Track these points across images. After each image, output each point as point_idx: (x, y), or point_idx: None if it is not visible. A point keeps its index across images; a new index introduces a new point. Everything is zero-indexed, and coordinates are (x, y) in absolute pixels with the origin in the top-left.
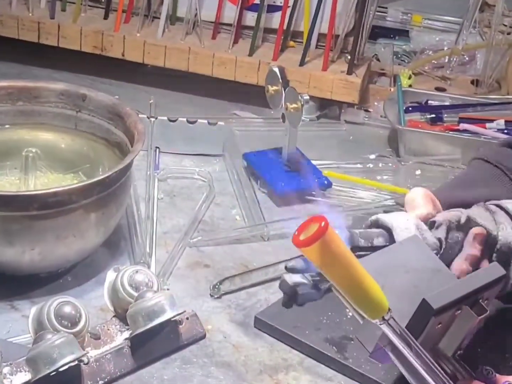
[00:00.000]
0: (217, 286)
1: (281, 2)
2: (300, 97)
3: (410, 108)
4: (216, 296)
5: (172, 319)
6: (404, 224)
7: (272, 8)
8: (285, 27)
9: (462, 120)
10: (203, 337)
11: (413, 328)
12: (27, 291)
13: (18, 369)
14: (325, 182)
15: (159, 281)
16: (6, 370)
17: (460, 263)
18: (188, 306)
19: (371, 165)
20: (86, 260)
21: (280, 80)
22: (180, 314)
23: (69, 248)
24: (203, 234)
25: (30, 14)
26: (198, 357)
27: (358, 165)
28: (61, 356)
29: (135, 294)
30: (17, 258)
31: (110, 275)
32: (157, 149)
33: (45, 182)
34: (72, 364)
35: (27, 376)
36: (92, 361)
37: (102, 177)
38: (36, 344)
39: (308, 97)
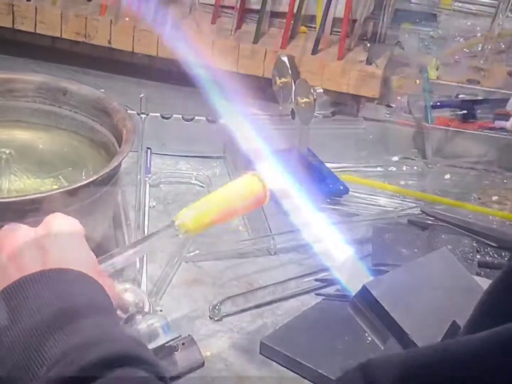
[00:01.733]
0: (217, 307)
1: None
2: (312, 91)
3: (439, 104)
4: (216, 318)
5: (166, 344)
6: None
7: None
8: (295, 10)
9: (498, 116)
10: (202, 365)
11: None
12: None
13: None
14: (341, 187)
15: (150, 302)
16: None
17: None
18: (184, 329)
19: (393, 168)
20: None
21: (290, 71)
22: (175, 339)
23: None
24: (201, 247)
25: None
26: None
27: (379, 168)
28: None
29: (124, 316)
30: None
31: None
32: (149, 150)
33: (20, 187)
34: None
35: None
36: None
37: (85, 182)
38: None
39: (321, 91)
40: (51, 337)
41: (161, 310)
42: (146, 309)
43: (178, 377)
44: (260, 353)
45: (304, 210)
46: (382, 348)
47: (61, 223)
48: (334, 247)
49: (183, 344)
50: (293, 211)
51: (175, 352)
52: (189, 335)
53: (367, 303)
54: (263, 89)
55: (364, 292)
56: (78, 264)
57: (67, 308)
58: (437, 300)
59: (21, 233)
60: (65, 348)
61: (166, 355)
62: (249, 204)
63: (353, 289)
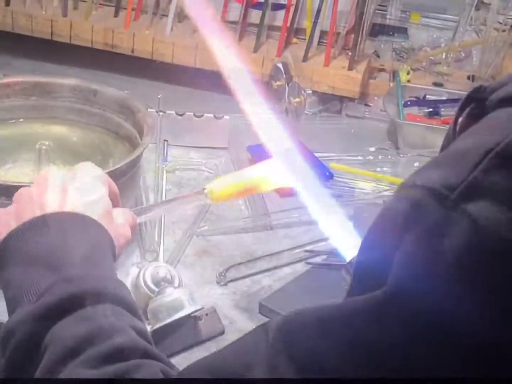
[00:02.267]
0: (223, 274)
1: (285, 1)
2: (303, 92)
3: (409, 103)
4: (222, 284)
5: (192, 315)
6: None
7: (276, 6)
8: (288, 24)
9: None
10: (222, 333)
11: None
12: None
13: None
14: (327, 173)
15: (180, 278)
16: None
17: None
18: (195, 293)
19: (371, 157)
20: None
21: (284, 76)
22: (199, 310)
23: None
24: (209, 223)
25: (44, 12)
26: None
27: (359, 157)
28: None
29: (156, 289)
30: None
31: (133, 271)
32: (166, 142)
33: None
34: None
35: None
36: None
37: (112, 168)
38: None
39: (310, 92)
40: (42, 272)
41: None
42: (176, 284)
43: (201, 343)
44: (259, 312)
45: (310, 190)
46: None
47: (87, 171)
48: (337, 222)
49: (206, 314)
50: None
51: (199, 322)
52: (212, 307)
53: None
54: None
55: None
56: (91, 210)
57: (61, 248)
58: None
59: (55, 175)
60: (52, 281)
61: (191, 324)
62: (269, 185)
63: (346, 255)
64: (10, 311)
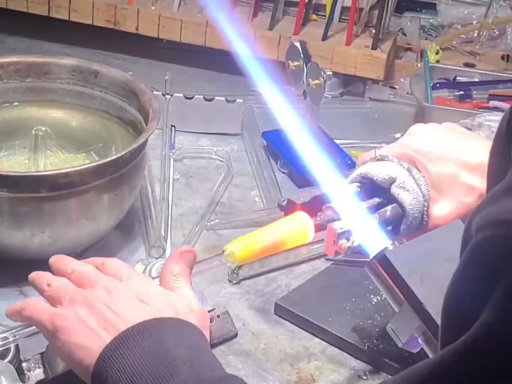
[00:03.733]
0: (235, 271)
1: None
2: (322, 73)
3: (438, 85)
4: (234, 282)
5: None
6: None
7: None
8: None
9: (492, 97)
10: (235, 336)
11: None
12: None
13: (37, 365)
14: (349, 162)
15: (191, 278)
16: (24, 365)
17: None
18: (205, 291)
19: None
20: (98, 244)
21: (302, 55)
22: (210, 311)
23: (81, 231)
24: (220, 216)
25: None
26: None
27: (383, 144)
28: None
29: None
30: (26, 242)
31: (138, 268)
32: (173, 128)
33: (55, 162)
34: None
35: (46, 372)
36: None
37: (115, 157)
38: None
39: (331, 73)
40: (154, 381)
41: None
42: None
43: (212, 346)
44: (275, 313)
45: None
46: (397, 311)
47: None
48: (359, 214)
49: (217, 316)
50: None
51: (210, 324)
52: (223, 307)
53: (385, 269)
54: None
55: (384, 259)
56: (174, 310)
57: (163, 356)
58: (449, 271)
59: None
60: None
61: None
62: (294, 241)
63: (371, 250)
64: None
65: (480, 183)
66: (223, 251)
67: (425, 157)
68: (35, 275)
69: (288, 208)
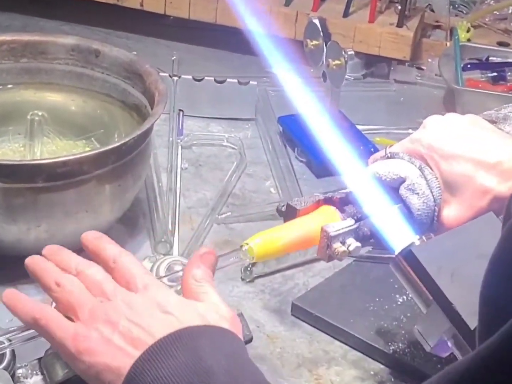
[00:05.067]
0: (249, 269)
1: None
2: (343, 53)
3: (469, 66)
4: (248, 280)
5: None
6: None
7: None
8: None
9: None
10: (250, 341)
11: None
12: None
13: (34, 372)
14: (372, 149)
15: None
16: (20, 372)
17: None
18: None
19: None
20: None
21: (321, 34)
22: None
23: (80, 225)
24: (232, 209)
25: None
26: None
27: (410, 131)
28: None
29: (173, 289)
30: (21, 236)
31: (145, 265)
32: (181, 112)
33: (53, 149)
34: None
35: (44, 380)
36: None
37: (118, 144)
38: None
39: (352, 53)
40: None
41: None
42: None
43: None
44: (292, 314)
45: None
46: (425, 312)
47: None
48: (383, 207)
49: None
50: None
51: None
52: (237, 309)
53: (411, 266)
54: (295, 51)
55: (410, 255)
56: (202, 318)
57: (199, 367)
58: (483, 268)
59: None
60: None
61: None
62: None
63: (396, 246)
64: None
65: (497, 184)
66: (241, 246)
67: (438, 153)
68: (37, 267)
69: (287, 213)
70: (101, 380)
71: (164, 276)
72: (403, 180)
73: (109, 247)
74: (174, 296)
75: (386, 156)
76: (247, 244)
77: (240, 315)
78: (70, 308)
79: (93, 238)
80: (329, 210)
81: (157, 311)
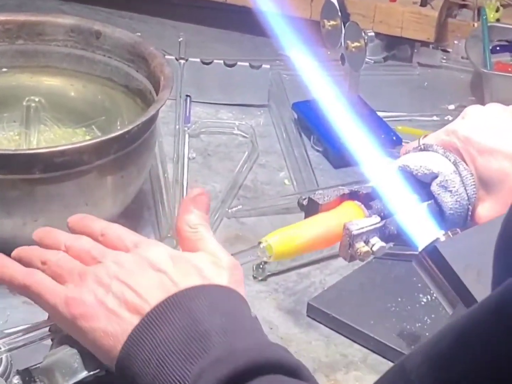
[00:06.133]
0: (261, 266)
1: None
2: (363, 34)
3: (498, 48)
4: (260, 278)
5: None
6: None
7: None
8: None
9: None
10: None
11: None
12: None
13: (31, 379)
14: (394, 138)
15: None
16: (15, 380)
17: None
18: None
19: (450, 118)
20: None
21: (339, 13)
22: None
23: None
24: (244, 202)
25: None
26: None
27: (434, 118)
28: (84, 366)
29: None
30: (16, 231)
31: None
32: (188, 98)
33: (50, 138)
34: (100, 374)
35: None
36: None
37: (120, 132)
38: (53, 349)
39: (373, 34)
40: (182, 363)
41: None
42: None
43: None
44: (307, 315)
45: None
46: (451, 313)
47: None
48: (406, 200)
49: None
50: (365, 162)
51: None
52: (251, 312)
53: (436, 263)
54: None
55: (434, 252)
56: (199, 276)
57: (195, 329)
58: None
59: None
60: (198, 370)
61: None
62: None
63: (419, 242)
64: None
65: None
66: (259, 243)
67: (474, 148)
68: (21, 252)
69: (309, 208)
70: (99, 346)
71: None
72: (435, 176)
73: (96, 222)
74: (166, 251)
75: (419, 147)
76: (266, 241)
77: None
78: (59, 277)
79: (79, 218)
80: (354, 206)
81: (150, 269)
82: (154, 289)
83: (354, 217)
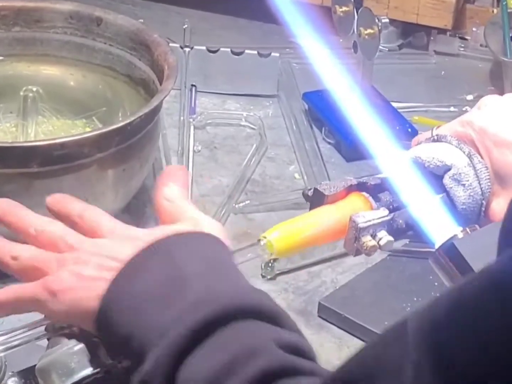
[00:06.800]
0: (270, 264)
1: None
2: (377, 21)
3: None
4: (269, 277)
5: None
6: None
7: None
8: None
9: None
10: None
11: None
12: None
13: (27, 381)
14: (409, 129)
15: None
16: (11, 382)
17: None
18: None
19: (468, 108)
20: None
21: None
22: None
23: None
24: (252, 197)
25: None
26: None
27: (452, 109)
28: (81, 367)
29: None
30: None
31: None
32: (193, 88)
33: (49, 130)
34: (98, 375)
35: None
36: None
37: (122, 124)
38: (49, 349)
39: (387, 21)
40: (165, 303)
41: None
42: None
43: None
44: (318, 316)
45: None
46: None
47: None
48: (422, 195)
49: None
50: (378, 154)
51: None
52: None
53: (453, 261)
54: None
55: (452, 249)
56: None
57: (174, 275)
58: None
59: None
60: (174, 315)
61: None
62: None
63: (436, 239)
64: (133, 366)
65: None
66: (259, 240)
67: (490, 140)
68: None
69: (314, 199)
70: (80, 311)
71: None
72: (448, 168)
73: (75, 203)
74: (144, 230)
75: (432, 138)
76: (265, 237)
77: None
78: (36, 272)
79: (58, 199)
80: (361, 198)
81: (126, 240)
82: (131, 249)
83: (361, 209)
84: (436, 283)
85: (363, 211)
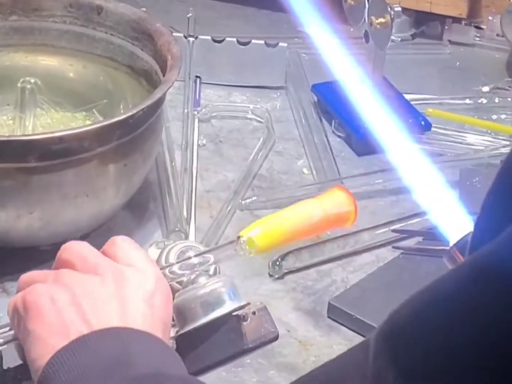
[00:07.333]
0: (278, 263)
1: None
2: (389, 9)
3: None
4: (277, 276)
5: (233, 313)
6: None
7: None
8: None
9: None
10: (275, 339)
11: None
12: (23, 269)
13: (24, 376)
14: (422, 123)
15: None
16: (7, 377)
17: None
18: (240, 288)
19: (484, 100)
20: (103, 228)
21: None
22: (244, 306)
23: (80, 211)
24: (258, 193)
25: None
26: (252, 357)
27: (467, 101)
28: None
29: (185, 278)
30: (10, 224)
31: (152, 253)
32: (198, 79)
33: (47, 123)
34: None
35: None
36: None
37: (124, 116)
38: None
39: (399, 9)
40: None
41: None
42: (211, 272)
43: (245, 352)
44: (328, 317)
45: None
46: None
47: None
48: (436, 190)
49: (253, 313)
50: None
51: (244, 323)
52: (260, 302)
53: None
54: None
55: (466, 247)
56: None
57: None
58: None
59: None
60: None
61: (232, 326)
62: (331, 222)
63: (451, 236)
64: None
65: None
66: (238, 237)
67: None
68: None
69: None
70: (32, 352)
71: (175, 263)
72: None
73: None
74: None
75: None
76: (245, 235)
77: (264, 308)
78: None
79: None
80: (341, 192)
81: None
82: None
83: (342, 203)
84: None
85: (342, 205)
